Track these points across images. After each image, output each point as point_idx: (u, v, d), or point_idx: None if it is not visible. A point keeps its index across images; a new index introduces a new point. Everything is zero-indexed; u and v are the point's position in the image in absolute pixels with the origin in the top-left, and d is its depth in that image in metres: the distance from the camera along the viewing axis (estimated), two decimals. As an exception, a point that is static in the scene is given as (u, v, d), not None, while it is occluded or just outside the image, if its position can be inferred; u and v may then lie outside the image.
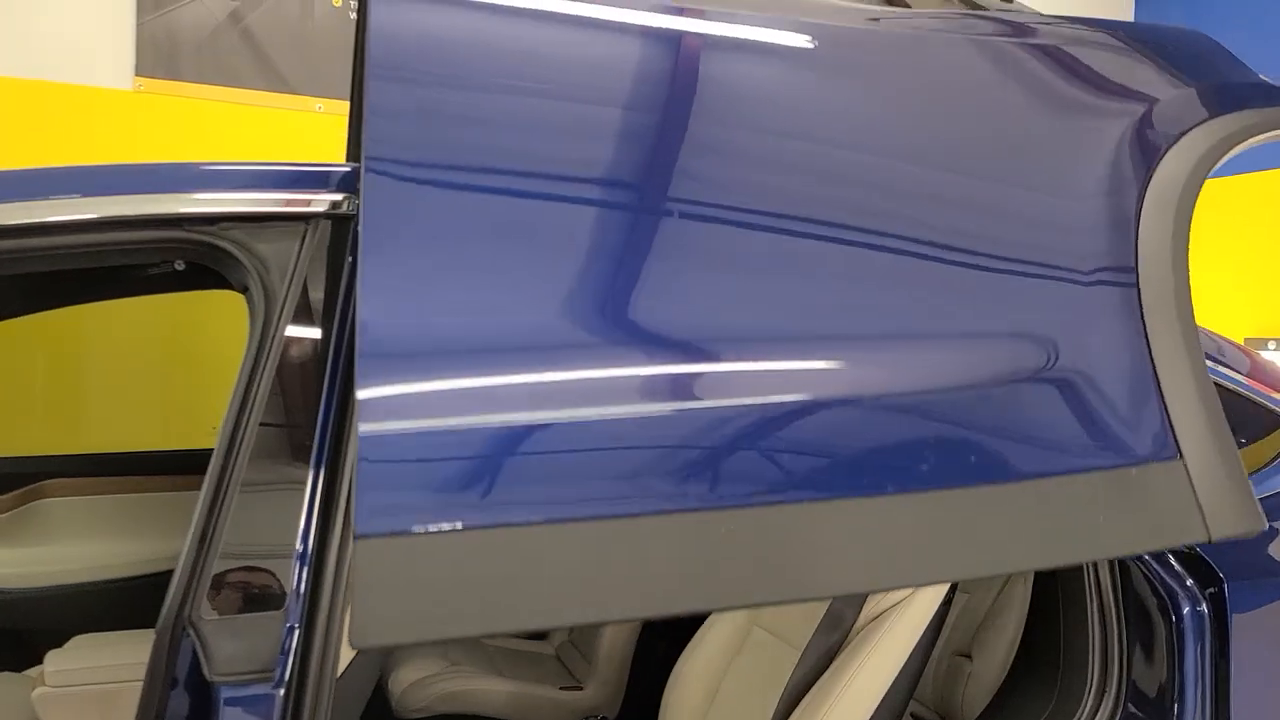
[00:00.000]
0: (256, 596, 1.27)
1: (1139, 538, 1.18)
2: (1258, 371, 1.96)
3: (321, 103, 3.83)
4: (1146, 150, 1.38)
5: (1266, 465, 1.80)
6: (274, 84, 3.78)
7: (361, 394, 0.90)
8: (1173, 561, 1.62)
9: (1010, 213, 1.30)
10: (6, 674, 2.19)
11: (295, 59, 3.80)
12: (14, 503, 2.38)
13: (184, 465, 2.56)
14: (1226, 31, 4.44)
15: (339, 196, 1.40)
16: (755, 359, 1.11)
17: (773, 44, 1.34)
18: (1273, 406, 1.90)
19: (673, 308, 1.07)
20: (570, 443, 0.99)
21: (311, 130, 3.80)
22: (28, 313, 2.37)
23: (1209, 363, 1.92)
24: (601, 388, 1.01)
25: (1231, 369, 1.92)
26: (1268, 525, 1.21)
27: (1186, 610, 1.57)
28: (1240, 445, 1.90)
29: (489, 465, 0.94)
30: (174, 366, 3.59)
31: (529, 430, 0.97)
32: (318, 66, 3.82)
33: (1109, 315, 1.25)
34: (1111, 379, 1.21)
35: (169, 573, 2.47)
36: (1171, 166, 1.37)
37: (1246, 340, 4.31)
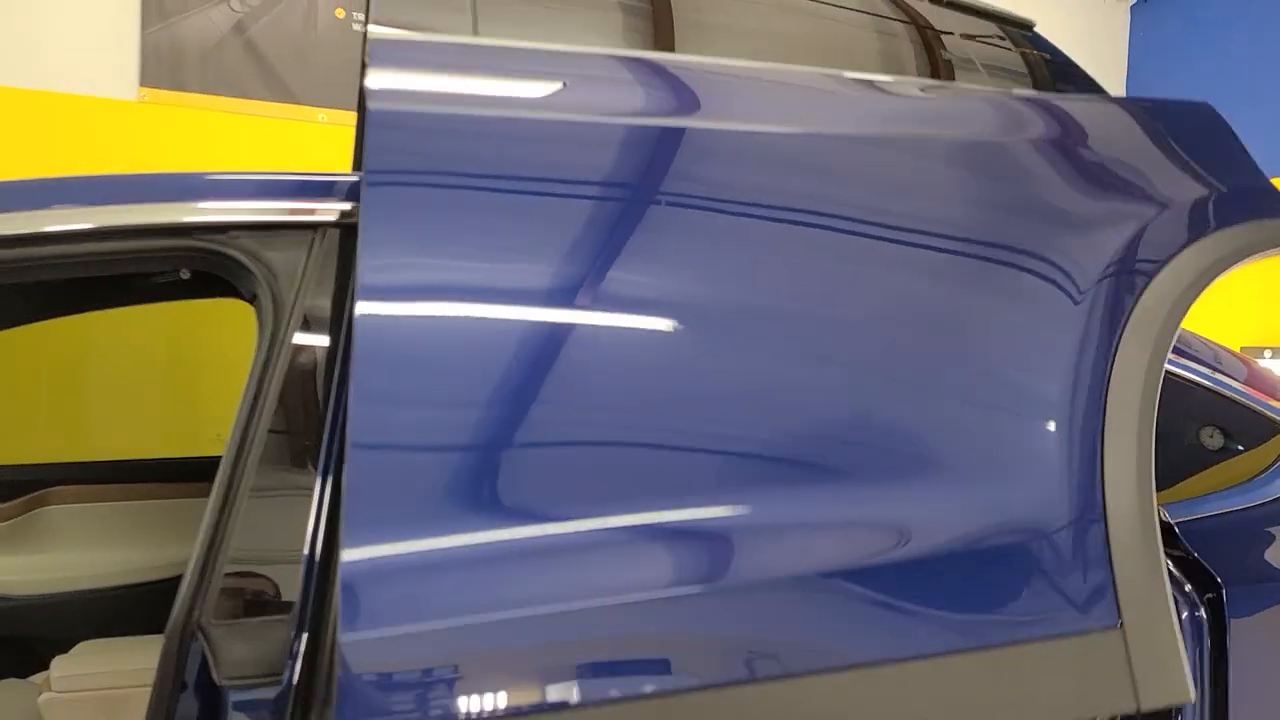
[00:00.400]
0: (264, 601, 1.28)
1: (1068, 706, 1.19)
2: (1255, 379, 1.98)
3: (325, 113, 3.85)
4: (1128, 281, 1.38)
5: (1266, 470, 1.81)
6: (277, 94, 3.80)
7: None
8: (1171, 567, 1.63)
9: (975, 363, 1.29)
10: (11, 680, 2.20)
11: (298, 69, 3.82)
12: (18, 510, 2.39)
13: (187, 472, 2.57)
14: (1224, 41, 4.46)
15: (347, 205, 1.42)
16: (710, 540, 1.14)
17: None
18: (1270, 414, 1.92)
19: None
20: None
21: (315, 140, 3.82)
22: (34, 320, 2.38)
23: (1205, 369, 1.94)
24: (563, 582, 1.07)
25: (1229, 376, 1.94)
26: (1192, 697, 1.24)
27: (1184, 615, 1.58)
28: (1238, 452, 1.92)
29: None
30: (177, 374, 3.61)
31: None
32: (321, 77, 3.84)
33: (1069, 475, 1.24)
34: (1063, 543, 1.21)
35: (173, 579, 2.48)
36: (1153, 299, 1.36)
37: (1242, 348, 4.33)
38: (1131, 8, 4.97)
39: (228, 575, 1.27)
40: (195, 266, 1.44)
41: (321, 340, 1.36)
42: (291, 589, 1.27)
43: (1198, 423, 1.98)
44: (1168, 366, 1.73)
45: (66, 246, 1.37)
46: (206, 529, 1.28)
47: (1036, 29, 2.07)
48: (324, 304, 1.38)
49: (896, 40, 1.91)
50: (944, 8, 1.93)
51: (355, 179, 1.44)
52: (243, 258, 1.39)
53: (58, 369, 3.49)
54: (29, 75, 3.50)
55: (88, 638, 2.17)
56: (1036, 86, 1.89)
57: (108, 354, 3.53)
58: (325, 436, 1.32)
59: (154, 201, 1.40)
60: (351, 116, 3.82)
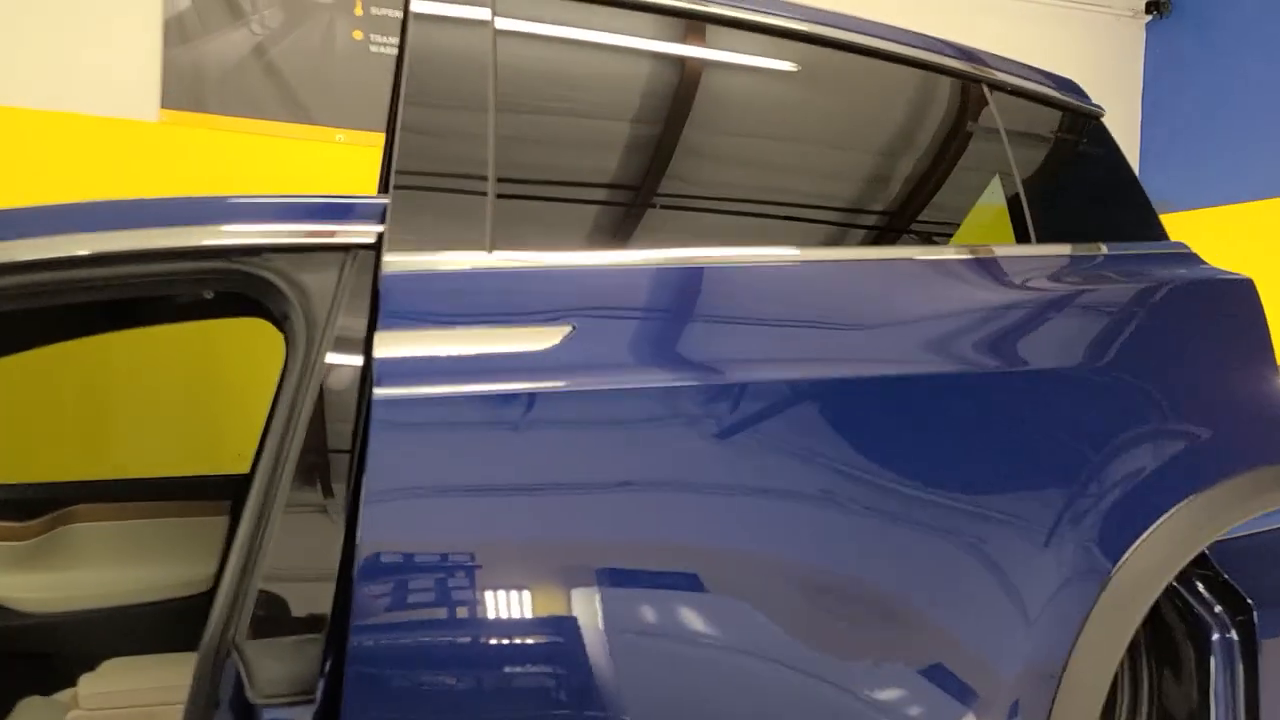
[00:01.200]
0: (298, 619, 1.29)
1: None
2: None
3: (342, 133, 3.88)
4: (1115, 533, 1.45)
5: None
6: (296, 115, 3.83)
7: None
8: (1201, 588, 1.63)
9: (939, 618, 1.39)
10: (36, 698, 2.20)
11: (317, 91, 3.85)
12: (43, 528, 2.40)
13: (209, 490, 2.58)
14: (1240, 58, 4.45)
15: (377, 227, 1.43)
16: None
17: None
18: None
19: None
20: None
21: (333, 160, 3.85)
22: (60, 341, 2.40)
23: None
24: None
25: None
26: None
27: (1215, 637, 1.57)
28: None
29: None
30: (198, 392, 3.62)
31: None
32: (339, 98, 3.87)
33: None
34: None
35: (196, 597, 2.50)
36: (1139, 565, 1.44)
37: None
38: (1147, 25, 4.97)
39: (262, 593, 1.28)
40: (227, 288, 1.46)
41: (353, 360, 1.38)
42: (324, 607, 1.28)
43: None
44: None
45: (103, 270, 1.39)
46: (240, 547, 1.29)
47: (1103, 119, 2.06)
48: (356, 324, 1.39)
49: (928, 96, 1.89)
50: (1011, 96, 1.91)
51: (386, 201, 1.46)
52: (275, 279, 1.41)
53: (80, 388, 3.51)
54: (52, 97, 3.53)
55: (111, 655, 2.18)
56: (1058, 165, 1.92)
57: (130, 373, 3.55)
58: (357, 455, 1.33)
59: (188, 225, 1.42)
60: (368, 136, 3.86)
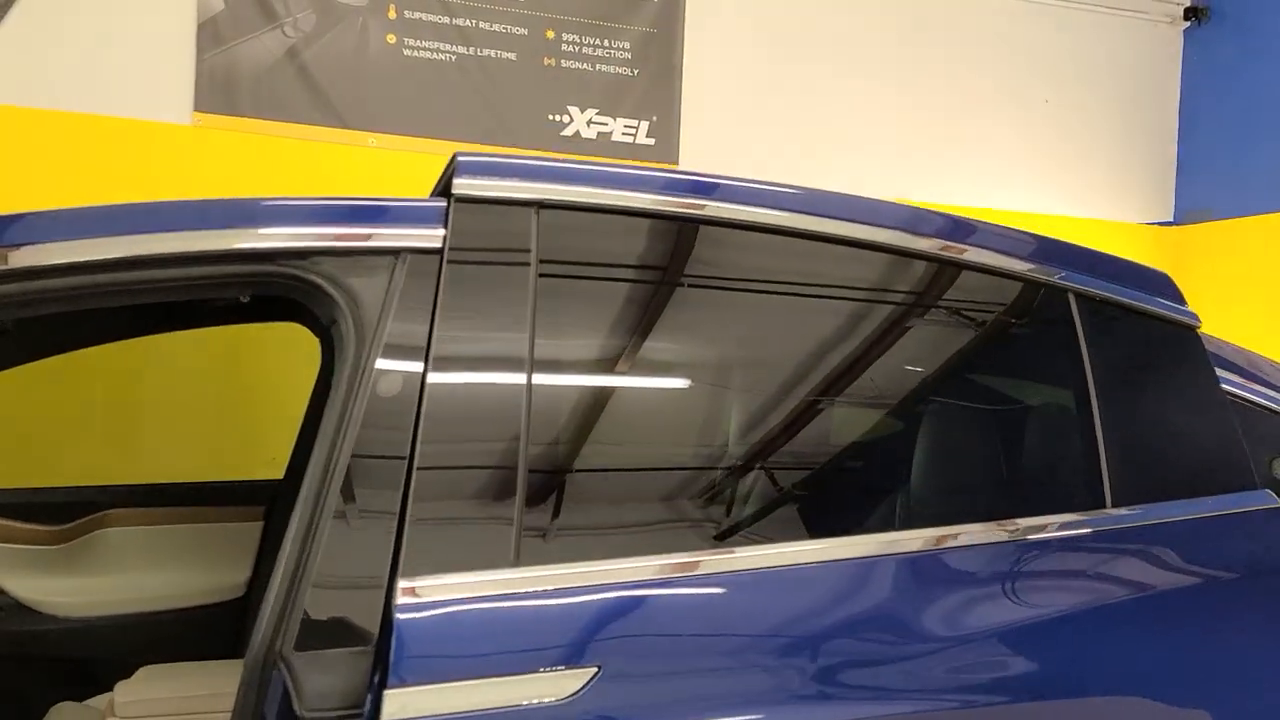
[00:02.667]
0: (347, 631, 1.26)
1: None
2: None
3: (375, 137, 3.87)
4: None
5: None
6: (329, 119, 3.82)
7: None
8: None
9: None
10: (69, 704, 2.19)
11: (350, 94, 3.84)
12: (78, 532, 2.39)
13: (244, 496, 2.56)
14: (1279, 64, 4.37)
15: (428, 230, 1.41)
16: None
17: None
18: None
19: None
20: None
21: (365, 164, 3.83)
22: (97, 344, 2.39)
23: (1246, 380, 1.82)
24: None
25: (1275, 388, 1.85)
26: None
27: None
28: None
29: None
30: (231, 397, 3.61)
31: None
32: (372, 101, 3.86)
33: None
34: None
35: (231, 603, 2.47)
36: None
37: None
38: (1185, 31, 4.91)
39: (310, 604, 1.25)
40: (273, 292, 1.44)
41: (405, 366, 1.35)
42: (373, 619, 1.25)
43: (1269, 451, 1.88)
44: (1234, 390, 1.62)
45: (142, 273, 1.36)
46: (289, 557, 1.26)
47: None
48: (406, 330, 1.36)
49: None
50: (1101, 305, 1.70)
51: (439, 204, 1.43)
52: (324, 283, 1.38)
53: (113, 391, 3.51)
54: (85, 100, 3.53)
55: (144, 660, 2.16)
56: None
57: (163, 377, 3.55)
58: (408, 463, 1.31)
59: (230, 228, 1.39)
60: (401, 141, 3.85)
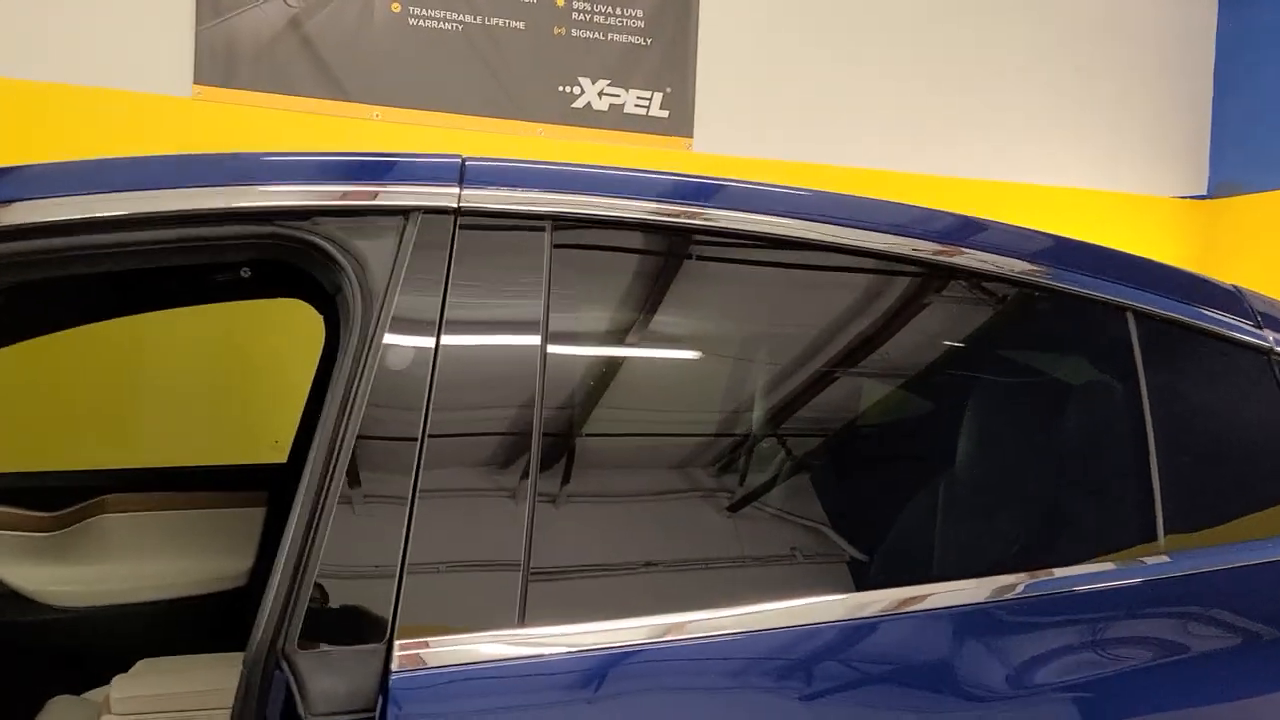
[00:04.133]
0: (356, 627, 1.15)
1: None
2: None
3: (379, 110, 3.76)
4: None
5: None
6: (331, 91, 3.71)
7: None
8: None
9: None
10: (66, 697, 2.09)
11: (353, 66, 3.73)
12: (74, 518, 2.29)
13: (246, 481, 2.47)
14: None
15: (441, 188, 1.28)
16: None
17: None
18: None
19: None
20: None
21: (369, 138, 3.72)
22: (89, 322, 2.28)
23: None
24: None
25: None
26: None
27: None
28: None
29: None
30: (232, 378, 3.52)
31: None
32: (375, 74, 3.75)
33: None
34: None
35: (232, 592, 2.37)
36: None
37: None
38: (1220, 1, 4.76)
39: (315, 598, 1.14)
40: (272, 256, 1.31)
41: (416, 339, 1.23)
42: (385, 613, 1.14)
43: None
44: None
45: (134, 233, 1.24)
46: (292, 546, 1.15)
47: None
48: (418, 298, 1.24)
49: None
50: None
51: (452, 160, 1.31)
52: (328, 245, 1.26)
53: (110, 372, 3.41)
54: (83, 72, 3.43)
55: (143, 651, 2.08)
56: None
57: (160, 357, 3.45)
58: (419, 442, 1.19)
59: (228, 184, 1.27)
60: (405, 114, 3.74)
